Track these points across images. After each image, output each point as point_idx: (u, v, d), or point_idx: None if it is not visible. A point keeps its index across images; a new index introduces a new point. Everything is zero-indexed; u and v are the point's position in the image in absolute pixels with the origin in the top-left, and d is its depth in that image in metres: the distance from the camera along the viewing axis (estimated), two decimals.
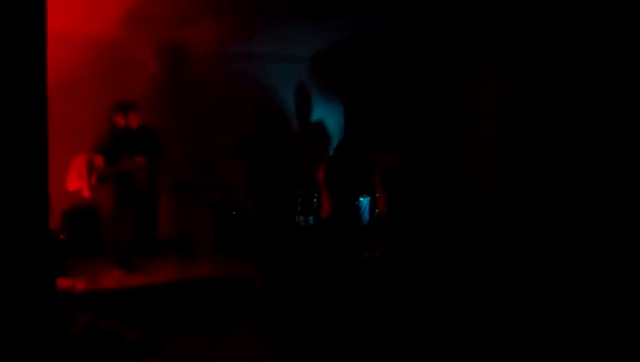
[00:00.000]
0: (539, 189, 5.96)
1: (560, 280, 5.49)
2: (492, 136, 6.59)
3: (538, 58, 5.99)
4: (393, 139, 7.24)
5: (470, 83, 6.87)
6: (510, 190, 6.34)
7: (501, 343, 5.07)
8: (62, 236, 6.50)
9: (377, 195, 6.79)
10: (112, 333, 4.95)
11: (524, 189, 6.13)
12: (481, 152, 6.71)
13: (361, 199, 7.46)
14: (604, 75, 5.34)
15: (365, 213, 7.64)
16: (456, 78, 7.05)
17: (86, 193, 6.63)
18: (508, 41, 6.39)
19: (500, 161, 6.50)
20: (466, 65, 6.95)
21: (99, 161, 6.58)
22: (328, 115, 9.49)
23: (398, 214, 6.05)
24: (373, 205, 7.53)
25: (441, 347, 5.20)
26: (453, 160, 6.86)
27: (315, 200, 7.87)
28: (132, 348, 4.96)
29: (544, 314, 5.28)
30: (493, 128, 6.58)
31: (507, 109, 6.38)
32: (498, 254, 6.14)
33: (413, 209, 6.07)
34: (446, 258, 6.28)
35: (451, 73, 7.13)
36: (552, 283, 5.52)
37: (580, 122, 5.53)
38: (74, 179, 6.64)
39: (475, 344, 5.15)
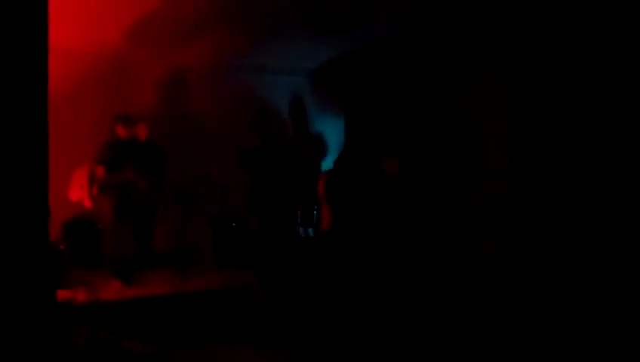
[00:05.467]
0: (551, 190, 5.86)
1: (573, 286, 5.41)
2: (501, 136, 6.51)
3: (545, 58, 5.94)
4: (399, 147, 7.24)
5: (475, 83, 6.83)
6: (521, 191, 6.24)
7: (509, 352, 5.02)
8: (62, 247, 6.50)
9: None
10: (114, 345, 4.93)
11: (535, 191, 6.03)
12: (490, 153, 6.66)
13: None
14: (614, 72, 5.29)
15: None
16: (462, 79, 7.02)
17: (87, 203, 6.66)
18: (514, 41, 6.34)
19: (510, 161, 6.42)
20: (472, 66, 6.92)
21: (100, 171, 6.63)
22: (328, 128, 9.51)
23: (405, 225, 6.04)
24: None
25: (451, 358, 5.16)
26: (463, 162, 6.82)
27: (315, 212, 7.87)
28: (135, 361, 4.94)
29: (557, 322, 5.20)
30: (503, 128, 6.50)
31: (515, 109, 6.31)
32: (511, 260, 6.04)
33: (420, 218, 6.04)
34: (456, 266, 6.21)
35: (458, 74, 7.09)
36: (566, 290, 5.43)
37: (591, 122, 5.47)
38: (75, 190, 6.68)
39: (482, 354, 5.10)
